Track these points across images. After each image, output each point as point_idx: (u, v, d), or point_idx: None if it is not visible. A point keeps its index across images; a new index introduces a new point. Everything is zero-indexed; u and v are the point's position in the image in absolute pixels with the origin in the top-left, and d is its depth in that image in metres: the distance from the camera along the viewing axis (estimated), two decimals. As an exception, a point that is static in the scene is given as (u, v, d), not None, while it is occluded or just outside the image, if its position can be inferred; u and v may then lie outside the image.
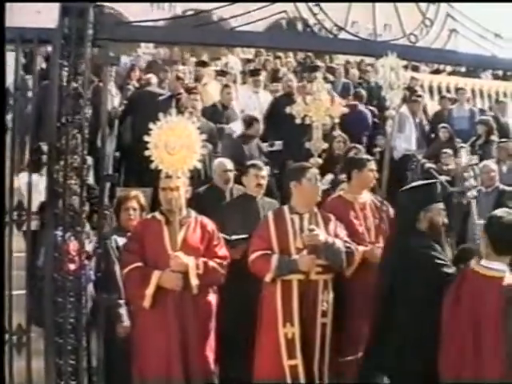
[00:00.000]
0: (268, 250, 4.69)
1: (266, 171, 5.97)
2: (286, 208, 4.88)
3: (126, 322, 4.84)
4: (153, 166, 4.35)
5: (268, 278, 4.65)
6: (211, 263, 4.56)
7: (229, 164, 6.14)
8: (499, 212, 4.02)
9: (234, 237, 5.28)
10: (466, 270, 3.96)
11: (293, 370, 4.58)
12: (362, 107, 9.73)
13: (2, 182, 4.28)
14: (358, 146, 7.92)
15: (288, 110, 4.72)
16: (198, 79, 10.48)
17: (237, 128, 8.33)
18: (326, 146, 4.88)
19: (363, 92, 10.41)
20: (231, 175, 6.06)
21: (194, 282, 4.44)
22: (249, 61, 12.69)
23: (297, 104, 4.71)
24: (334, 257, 4.66)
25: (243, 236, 5.37)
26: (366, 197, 5.20)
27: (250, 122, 7.85)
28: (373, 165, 5.31)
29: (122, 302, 4.86)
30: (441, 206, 4.42)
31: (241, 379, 4.91)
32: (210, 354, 4.58)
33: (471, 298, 3.87)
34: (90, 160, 5.34)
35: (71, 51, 4.21)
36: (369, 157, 5.52)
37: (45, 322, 4.18)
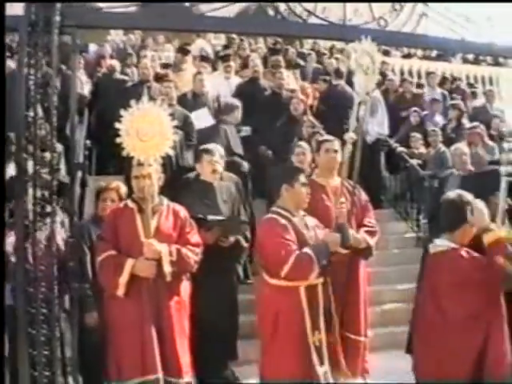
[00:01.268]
0: (296, 248, 4.44)
1: (218, 155, 5.87)
2: (281, 211, 4.61)
3: (94, 312, 4.84)
4: (124, 153, 4.32)
5: (313, 276, 4.43)
6: (184, 250, 4.56)
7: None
8: (451, 193, 4.10)
9: (211, 217, 5.25)
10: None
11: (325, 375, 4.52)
12: (344, 85, 9.60)
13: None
14: (321, 131, 7.91)
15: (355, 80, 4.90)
16: (176, 65, 10.35)
17: (200, 115, 8.17)
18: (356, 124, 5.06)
19: (343, 70, 10.22)
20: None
21: (168, 269, 4.43)
22: (226, 47, 12.52)
23: (357, 76, 4.84)
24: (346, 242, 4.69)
25: (220, 218, 5.35)
26: (338, 181, 5.18)
27: (231, 109, 7.77)
28: (336, 145, 5.26)
29: (89, 291, 4.86)
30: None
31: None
32: (185, 340, 4.58)
33: (430, 280, 3.94)
34: (60, 148, 5.27)
35: (38, 39, 4.15)
36: (330, 137, 5.50)
37: (17, 312, 4.15)
